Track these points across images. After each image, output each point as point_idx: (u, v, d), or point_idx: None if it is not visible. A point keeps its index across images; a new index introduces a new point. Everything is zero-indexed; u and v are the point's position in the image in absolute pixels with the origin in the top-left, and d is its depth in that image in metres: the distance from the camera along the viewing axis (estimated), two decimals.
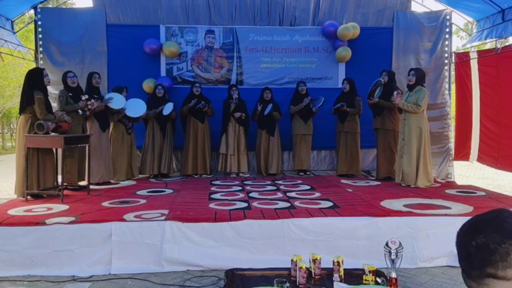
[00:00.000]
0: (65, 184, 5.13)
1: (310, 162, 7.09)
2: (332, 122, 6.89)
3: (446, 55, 7.25)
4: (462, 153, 7.11)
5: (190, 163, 6.60)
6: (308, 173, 6.93)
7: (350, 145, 6.45)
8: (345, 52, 7.15)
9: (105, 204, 4.45)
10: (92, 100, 5.41)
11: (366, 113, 6.45)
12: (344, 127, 6.45)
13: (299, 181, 6.08)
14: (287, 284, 2.38)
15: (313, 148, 7.10)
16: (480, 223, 1.01)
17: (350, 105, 6.36)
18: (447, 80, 7.26)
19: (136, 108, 6.09)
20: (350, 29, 6.98)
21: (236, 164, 6.66)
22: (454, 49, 7.54)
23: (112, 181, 5.95)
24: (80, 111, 5.36)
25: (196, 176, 6.60)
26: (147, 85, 6.95)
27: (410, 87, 5.59)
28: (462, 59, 7.09)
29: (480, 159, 6.80)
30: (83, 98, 5.36)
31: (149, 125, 6.52)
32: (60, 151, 5.14)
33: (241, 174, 6.71)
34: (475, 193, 5.19)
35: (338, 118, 6.55)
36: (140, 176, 6.49)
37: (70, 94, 5.40)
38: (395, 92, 5.66)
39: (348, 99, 6.40)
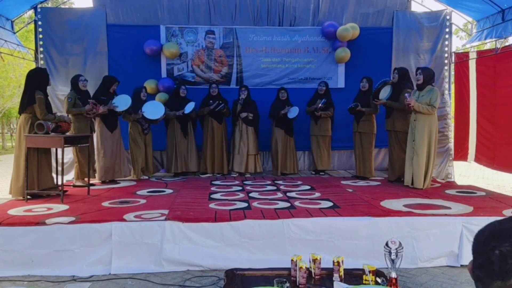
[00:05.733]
0: (65, 184, 5.13)
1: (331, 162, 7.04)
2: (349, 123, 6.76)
3: (446, 55, 7.25)
4: (461, 153, 7.11)
5: (208, 162, 6.66)
6: (322, 173, 6.82)
7: (363, 146, 6.23)
8: (344, 53, 7.15)
9: (105, 204, 4.46)
10: (99, 106, 5.59)
11: (379, 113, 6.28)
12: (359, 128, 6.23)
13: (299, 181, 6.08)
14: (287, 284, 2.38)
15: (332, 148, 7.03)
16: (504, 230, 0.91)
17: (365, 105, 6.11)
18: (447, 80, 7.27)
19: (154, 110, 6.16)
20: (350, 30, 6.98)
21: (239, 164, 6.63)
22: (454, 49, 7.55)
23: (117, 179, 6.05)
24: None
25: (218, 175, 6.64)
26: (149, 86, 6.93)
27: (420, 87, 5.41)
28: (462, 59, 7.09)
29: (477, 159, 6.80)
30: (90, 102, 5.52)
31: (170, 125, 6.57)
32: (60, 151, 5.14)
33: (247, 175, 6.67)
34: (475, 193, 5.19)
35: (354, 118, 6.33)
36: (167, 173, 6.75)
37: (79, 96, 5.57)
38: (406, 94, 5.33)
39: (364, 99, 6.17)
